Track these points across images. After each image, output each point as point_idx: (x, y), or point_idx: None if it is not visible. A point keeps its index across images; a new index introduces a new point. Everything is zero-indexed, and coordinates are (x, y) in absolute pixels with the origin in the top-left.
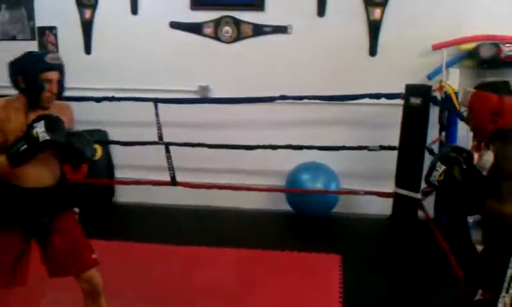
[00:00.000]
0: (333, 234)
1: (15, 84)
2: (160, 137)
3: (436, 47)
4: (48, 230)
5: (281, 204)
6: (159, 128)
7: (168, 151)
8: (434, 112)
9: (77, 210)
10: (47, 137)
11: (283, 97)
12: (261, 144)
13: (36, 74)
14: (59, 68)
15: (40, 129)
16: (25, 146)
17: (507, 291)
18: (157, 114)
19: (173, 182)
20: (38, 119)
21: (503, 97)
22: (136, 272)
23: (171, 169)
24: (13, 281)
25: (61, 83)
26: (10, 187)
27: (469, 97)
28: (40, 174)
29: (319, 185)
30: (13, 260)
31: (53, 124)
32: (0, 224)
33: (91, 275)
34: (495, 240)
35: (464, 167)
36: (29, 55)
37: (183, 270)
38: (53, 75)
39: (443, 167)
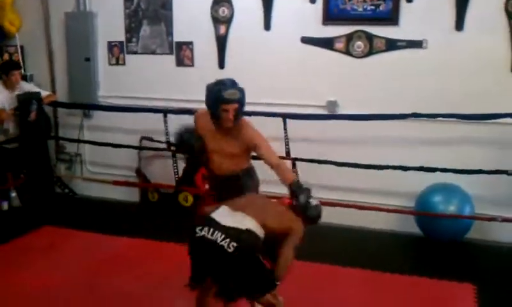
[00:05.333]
0: (466, 261)
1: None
2: (288, 153)
3: None
4: None
5: (409, 226)
6: (287, 144)
7: (294, 166)
8: None
9: None
10: None
11: (415, 115)
12: (390, 162)
13: (216, 105)
14: (235, 101)
15: None
16: None
17: None
18: (285, 129)
19: None
20: None
21: None
22: None
23: None
24: None
25: (238, 111)
26: None
27: None
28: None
29: (452, 209)
30: None
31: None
32: None
33: None
34: None
35: None
36: (212, 88)
37: (305, 287)
38: (229, 107)
39: None
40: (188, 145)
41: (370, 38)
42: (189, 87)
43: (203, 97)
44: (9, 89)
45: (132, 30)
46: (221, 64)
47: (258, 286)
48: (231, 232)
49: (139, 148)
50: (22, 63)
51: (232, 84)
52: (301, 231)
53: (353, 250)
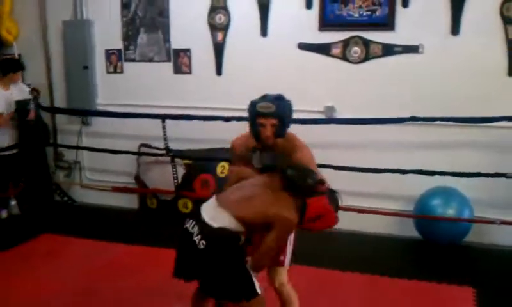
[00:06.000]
0: (465, 265)
1: None
2: None
3: None
4: None
5: (408, 229)
6: None
7: None
8: None
9: None
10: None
11: (413, 118)
12: (389, 166)
13: (252, 120)
14: (269, 115)
15: None
16: None
17: None
18: None
19: None
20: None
21: None
22: None
23: None
24: None
25: (277, 127)
26: None
27: None
28: None
29: (450, 212)
30: None
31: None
32: None
33: (273, 272)
34: None
35: None
36: (251, 103)
37: (305, 292)
38: (265, 121)
39: None
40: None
41: (366, 43)
42: (186, 94)
43: (200, 104)
44: (5, 87)
45: (129, 38)
46: (219, 71)
47: (233, 290)
48: (205, 229)
49: (138, 154)
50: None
51: (274, 98)
52: (289, 220)
53: (352, 254)
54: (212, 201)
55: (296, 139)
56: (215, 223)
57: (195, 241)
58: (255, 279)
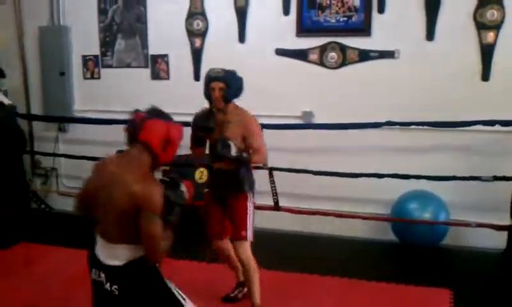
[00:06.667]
0: (441, 267)
1: None
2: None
3: None
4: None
5: (385, 233)
6: None
7: (271, 176)
8: None
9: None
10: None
11: (389, 123)
12: (366, 171)
13: (206, 85)
14: (219, 79)
15: None
16: None
17: None
18: None
19: (276, 207)
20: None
21: None
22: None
23: (274, 194)
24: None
25: (224, 90)
26: None
27: None
28: None
29: (427, 215)
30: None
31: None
32: None
33: (238, 245)
34: None
35: None
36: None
37: (281, 296)
38: (215, 85)
39: None
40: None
41: (343, 49)
42: (165, 100)
43: (179, 110)
44: None
45: (106, 44)
46: (197, 77)
47: None
48: (111, 272)
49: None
50: None
51: (225, 70)
52: (155, 197)
53: (330, 258)
54: (99, 240)
55: (243, 109)
56: (117, 261)
57: (107, 289)
58: (185, 300)
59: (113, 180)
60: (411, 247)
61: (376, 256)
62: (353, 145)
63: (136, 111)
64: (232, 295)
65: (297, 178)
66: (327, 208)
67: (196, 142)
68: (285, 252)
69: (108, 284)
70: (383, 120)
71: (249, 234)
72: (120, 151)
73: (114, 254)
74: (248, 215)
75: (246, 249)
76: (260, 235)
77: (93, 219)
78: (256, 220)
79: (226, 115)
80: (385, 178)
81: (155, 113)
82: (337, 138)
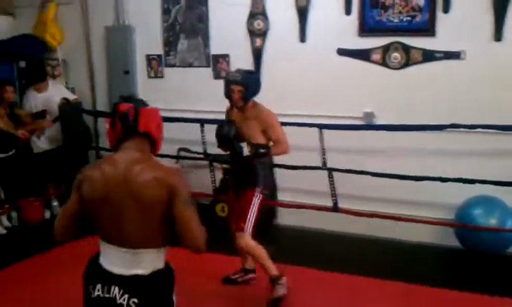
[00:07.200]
0: (507, 276)
1: None
2: (324, 163)
3: None
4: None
5: (447, 239)
6: (323, 154)
7: (331, 177)
8: None
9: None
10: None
11: (454, 125)
12: (429, 174)
13: (226, 87)
14: (237, 83)
15: None
16: None
17: None
18: (321, 140)
19: (335, 208)
20: None
21: None
22: (287, 295)
23: (333, 195)
24: None
25: (243, 92)
26: None
27: None
28: None
29: (493, 222)
30: None
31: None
32: None
33: (237, 235)
34: None
35: None
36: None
37: (342, 300)
38: (234, 87)
39: None
40: (227, 136)
41: (406, 49)
42: (225, 99)
43: None
44: (39, 90)
45: (169, 43)
46: None
47: None
48: (130, 284)
49: (177, 158)
50: (63, 76)
51: (243, 71)
52: (183, 181)
53: (389, 262)
54: (111, 248)
55: (261, 104)
56: (141, 269)
57: (121, 304)
58: None
59: (130, 176)
60: (475, 254)
61: (438, 262)
62: (415, 147)
63: (118, 103)
64: (233, 277)
65: (357, 179)
66: (387, 211)
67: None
68: (341, 254)
69: (124, 298)
70: (447, 122)
71: (248, 227)
72: (182, 149)
73: (136, 261)
74: (251, 210)
75: (244, 239)
76: (317, 235)
77: (95, 226)
78: (314, 220)
79: (245, 112)
80: (449, 182)
81: (138, 101)
82: (399, 140)
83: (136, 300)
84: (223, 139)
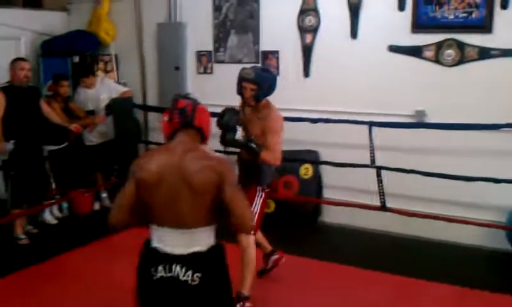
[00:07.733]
0: None
1: None
2: (373, 161)
3: None
4: None
5: (500, 242)
6: (372, 152)
7: (379, 175)
8: None
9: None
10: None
11: (509, 125)
12: (481, 174)
13: (238, 83)
14: (249, 81)
15: None
16: None
17: None
18: (370, 138)
19: (383, 207)
20: None
21: None
22: (333, 294)
23: (381, 193)
24: None
25: (255, 91)
26: None
27: None
28: None
29: None
30: None
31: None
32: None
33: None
34: None
35: None
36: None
37: (386, 300)
38: (246, 85)
39: None
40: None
41: (461, 46)
42: (273, 95)
43: (287, 105)
44: (88, 87)
45: (220, 40)
46: (306, 73)
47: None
48: (193, 260)
49: (224, 153)
50: (116, 71)
51: (258, 68)
52: (230, 168)
53: (438, 263)
54: (166, 230)
55: (274, 107)
56: (199, 247)
57: (185, 281)
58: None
59: (184, 163)
60: None
61: (489, 265)
62: (468, 147)
63: (177, 99)
64: (267, 268)
65: (407, 178)
66: (437, 211)
67: None
68: (388, 254)
69: (188, 274)
70: (502, 122)
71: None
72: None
73: (194, 240)
74: (253, 209)
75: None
76: (363, 234)
77: (150, 213)
78: (360, 219)
79: (257, 112)
80: (502, 183)
81: (194, 99)
82: (451, 139)
83: (199, 274)
84: (222, 127)
